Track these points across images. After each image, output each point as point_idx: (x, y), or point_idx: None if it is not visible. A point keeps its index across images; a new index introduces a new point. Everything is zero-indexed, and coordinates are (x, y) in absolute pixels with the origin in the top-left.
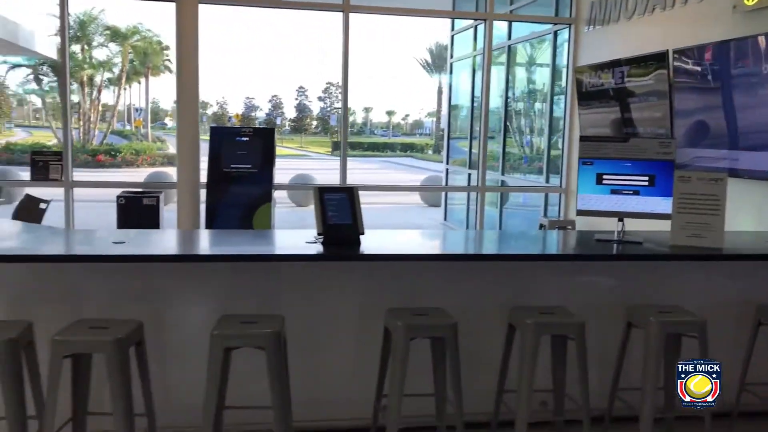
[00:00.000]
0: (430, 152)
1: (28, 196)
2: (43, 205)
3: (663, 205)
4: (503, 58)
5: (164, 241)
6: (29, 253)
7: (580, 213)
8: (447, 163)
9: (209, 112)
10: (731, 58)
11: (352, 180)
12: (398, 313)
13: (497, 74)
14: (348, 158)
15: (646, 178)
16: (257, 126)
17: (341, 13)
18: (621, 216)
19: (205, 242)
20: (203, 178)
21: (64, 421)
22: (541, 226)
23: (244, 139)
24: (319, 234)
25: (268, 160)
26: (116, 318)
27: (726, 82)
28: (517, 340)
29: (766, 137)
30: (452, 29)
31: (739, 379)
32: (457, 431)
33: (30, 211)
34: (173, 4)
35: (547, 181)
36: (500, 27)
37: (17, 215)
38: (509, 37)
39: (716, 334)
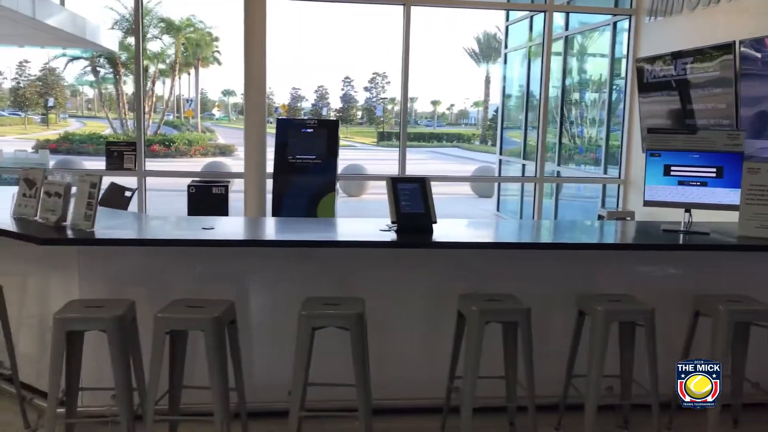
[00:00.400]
0: (476, 142)
1: (113, 184)
2: (127, 193)
3: (731, 196)
4: (558, 47)
5: (248, 227)
6: (129, 237)
7: (647, 204)
8: (500, 154)
9: None
10: None
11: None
12: (472, 299)
13: (554, 64)
14: (395, 149)
15: (714, 169)
16: (307, 117)
17: (402, 6)
18: (688, 207)
19: (283, 229)
20: (268, 168)
21: (161, 393)
22: (600, 217)
23: (309, 130)
24: (393, 222)
25: (332, 151)
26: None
27: None
28: (586, 326)
29: None
30: (507, 19)
31: None
32: (528, 413)
33: (115, 199)
34: None
35: (605, 171)
36: (556, 17)
37: (102, 202)
38: (566, 27)
39: None
